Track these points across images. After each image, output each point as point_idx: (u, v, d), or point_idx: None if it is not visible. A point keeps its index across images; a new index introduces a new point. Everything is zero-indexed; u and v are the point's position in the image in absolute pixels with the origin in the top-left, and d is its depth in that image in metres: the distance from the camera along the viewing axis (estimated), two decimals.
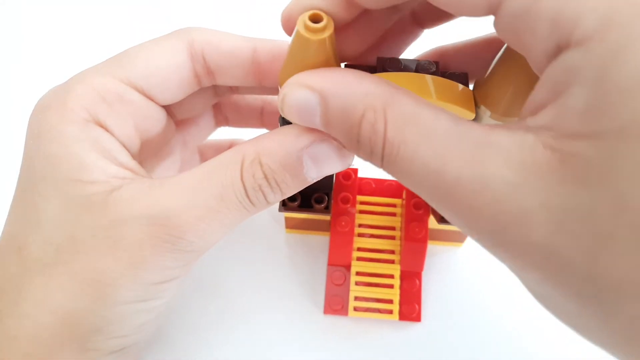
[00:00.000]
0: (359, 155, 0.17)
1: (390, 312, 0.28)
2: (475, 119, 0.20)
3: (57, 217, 0.19)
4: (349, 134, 0.16)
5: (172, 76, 0.21)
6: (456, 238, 0.30)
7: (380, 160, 0.16)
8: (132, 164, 0.20)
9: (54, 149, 0.19)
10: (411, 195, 0.28)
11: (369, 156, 0.16)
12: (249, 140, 0.20)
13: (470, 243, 0.31)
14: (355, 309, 0.28)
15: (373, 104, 0.16)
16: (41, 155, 0.19)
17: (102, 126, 0.20)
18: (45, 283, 0.18)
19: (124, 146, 0.21)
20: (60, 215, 0.19)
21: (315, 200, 0.26)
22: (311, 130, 0.19)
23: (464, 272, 0.30)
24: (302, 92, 0.17)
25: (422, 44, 0.22)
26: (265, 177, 0.19)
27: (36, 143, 0.19)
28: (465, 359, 0.27)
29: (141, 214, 0.18)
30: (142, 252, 0.18)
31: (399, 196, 0.30)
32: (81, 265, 0.18)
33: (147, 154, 0.23)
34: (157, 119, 0.23)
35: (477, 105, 0.19)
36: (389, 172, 0.16)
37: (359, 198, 0.30)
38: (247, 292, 0.29)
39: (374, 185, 0.30)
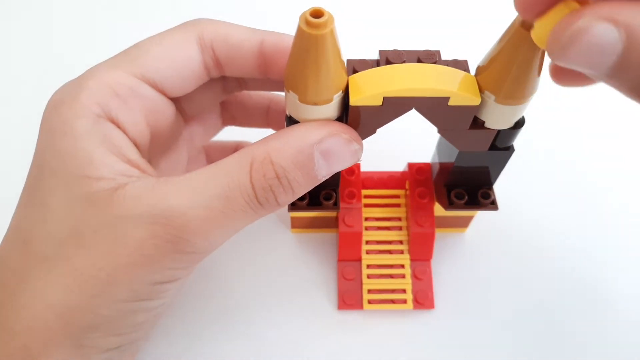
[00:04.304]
0: None
1: (404, 301, 0.28)
2: (481, 104, 0.20)
3: (62, 212, 0.19)
4: None
5: (183, 68, 0.22)
6: (460, 224, 0.30)
7: None
8: (141, 161, 0.20)
9: (64, 144, 0.19)
10: (415, 184, 0.29)
11: None
12: (257, 142, 0.20)
13: (474, 228, 0.31)
14: (370, 301, 0.28)
15: None
16: (52, 150, 0.19)
17: (113, 121, 0.20)
18: (45, 277, 0.18)
19: (134, 142, 0.21)
20: (65, 211, 0.19)
21: (323, 198, 0.26)
22: (320, 126, 0.19)
23: (471, 256, 0.30)
24: (601, 27, 0.14)
25: (421, 38, 0.23)
26: (277, 176, 0.19)
27: (48, 138, 0.19)
28: (481, 341, 0.28)
29: (144, 212, 0.18)
30: (142, 251, 0.18)
31: (402, 187, 0.30)
32: (81, 261, 0.18)
33: (156, 149, 0.23)
34: (167, 114, 0.23)
35: (481, 91, 0.20)
36: None
37: (364, 192, 0.30)
38: (257, 293, 0.29)
39: (376, 179, 0.30)
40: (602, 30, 0.14)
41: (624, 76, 0.14)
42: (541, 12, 0.16)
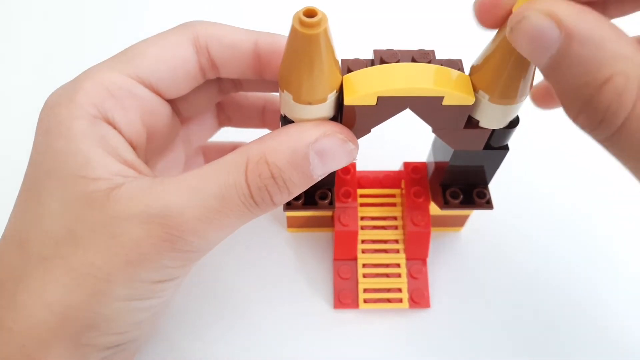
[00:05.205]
0: (578, 118, 0.15)
1: (400, 300, 0.28)
2: (475, 104, 0.20)
3: (59, 212, 0.19)
4: (581, 89, 0.15)
5: (178, 70, 0.22)
6: (456, 223, 0.31)
7: (609, 133, 0.15)
8: (137, 162, 0.21)
9: (61, 144, 0.19)
10: (411, 184, 0.29)
11: (596, 124, 0.15)
12: (253, 142, 0.20)
13: (469, 227, 0.31)
14: (366, 300, 0.28)
15: (626, 71, 0.14)
16: (48, 150, 0.19)
17: (109, 122, 0.20)
18: (42, 277, 0.19)
19: (131, 143, 0.21)
20: (62, 211, 0.19)
21: (319, 197, 0.26)
22: (315, 126, 0.20)
23: (467, 255, 0.31)
24: (546, 22, 0.15)
25: (416, 38, 0.23)
26: (273, 176, 0.19)
27: (44, 138, 0.20)
28: (476, 339, 0.28)
29: (140, 211, 0.18)
30: (139, 250, 0.18)
31: (398, 186, 0.30)
32: (79, 260, 0.18)
33: (153, 150, 0.24)
34: (163, 115, 0.23)
35: (475, 91, 0.20)
36: (613, 146, 0.15)
37: (359, 191, 0.30)
38: (253, 292, 0.29)
39: (372, 178, 0.30)
40: (544, 25, 0.15)
41: (557, 74, 0.15)
42: (500, 20, 0.17)
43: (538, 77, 0.19)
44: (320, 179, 0.20)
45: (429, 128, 0.22)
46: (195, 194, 0.19)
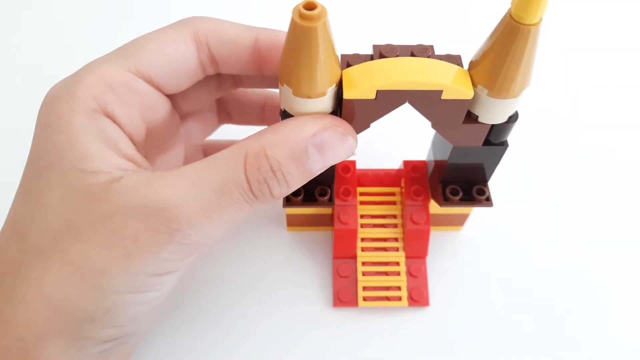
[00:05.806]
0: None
1: (399, 298, 0.28)
2: (474, 98, 0.20)
3: (58, 206, 0.19)
4: None
5: (178, 65, 0.22)
6: (456, 222, 0.31)
7: None
8: (136, 155, 0.21)
9: (61, 138, 0.19)
10: (411, 182, 0.29)
11: None
12: (252, 135, 0.20)
13: (469, 226, 0.31)
14: (365, 299, 0.28)
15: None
16: (48, 144, 0.19)
17: (109, 116, 0.20)
18: (41, 270, 0.19)
19: (130, 137, 0.21)
20: (61, 204, 0.19)
21: (318, 194, 0.26)
22: (314, 120, 0.20)
23: (466, 254, 0.30)
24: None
25: (415, 33, 0.23)
26: (272, 169, 0.19)
27: (44, 132, 0.20)
28: (475, 338, 0.28)
29: (139, 204, 0.18)
30: (138, 243, 0.18)
31: (398, 184, 0.30)
32: (77, 254, 0.18)
33: (152, 146, 0.24)
34: (163, 110, 0.23)
35: (474, 85, 0.20)
36: None
37: (359, 189, 0.30)
38: (253, 291, 0.29)
39: (372, 176, 0.30)
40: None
41: None
42: None
43: (537, 72, 0.19)
44: (319, 172, 0.20)
45: (429, 128, 0.22)
46: (194, 187, 0.19)
